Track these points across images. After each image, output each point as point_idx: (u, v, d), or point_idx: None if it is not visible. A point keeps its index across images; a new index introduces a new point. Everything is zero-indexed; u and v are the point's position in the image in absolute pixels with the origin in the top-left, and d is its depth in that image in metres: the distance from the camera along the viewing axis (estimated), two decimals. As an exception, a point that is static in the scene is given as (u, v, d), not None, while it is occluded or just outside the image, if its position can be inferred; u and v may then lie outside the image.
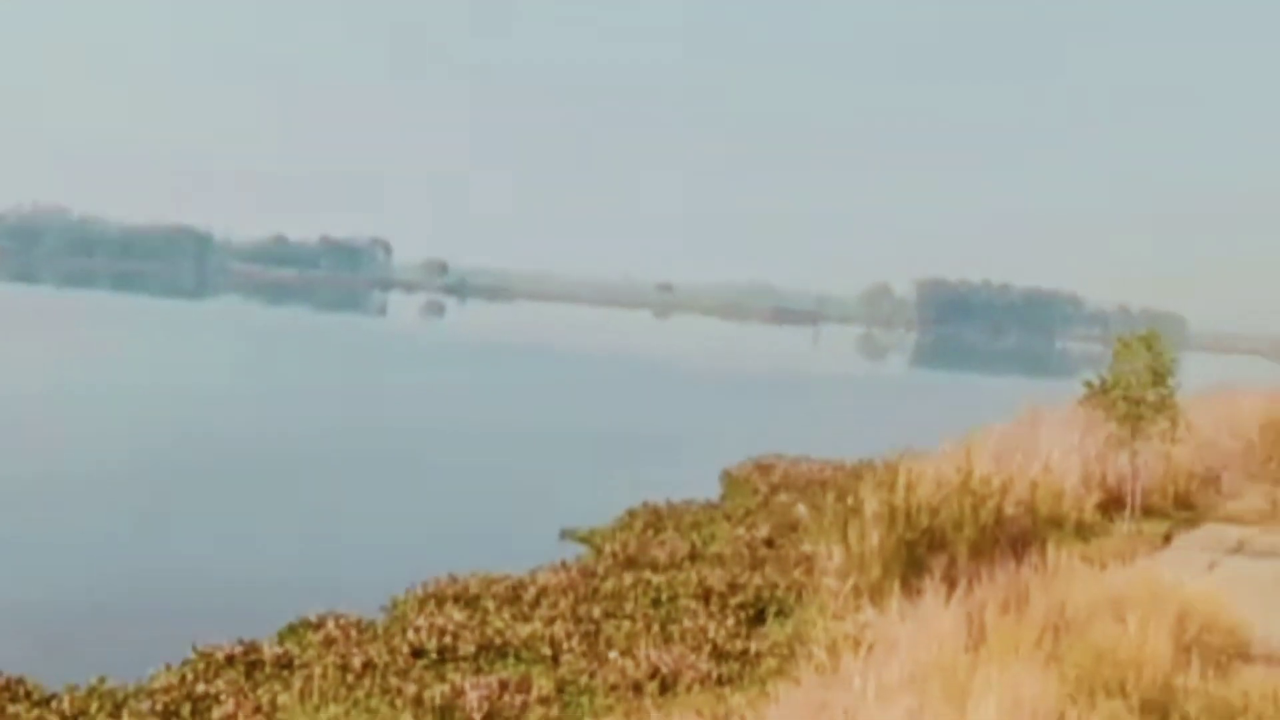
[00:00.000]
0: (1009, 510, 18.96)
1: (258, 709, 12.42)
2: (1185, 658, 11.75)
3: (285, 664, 13.98)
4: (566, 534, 22.36)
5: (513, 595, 17.02)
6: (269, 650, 14.24)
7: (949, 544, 16.73)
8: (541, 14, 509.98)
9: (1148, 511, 22.07)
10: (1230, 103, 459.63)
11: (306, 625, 15.53)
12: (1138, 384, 21.98)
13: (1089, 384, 22.62)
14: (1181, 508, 23.39)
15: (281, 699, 12.76)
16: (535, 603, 16.67)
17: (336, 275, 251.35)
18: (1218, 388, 34.97)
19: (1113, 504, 22.08)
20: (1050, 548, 16.01)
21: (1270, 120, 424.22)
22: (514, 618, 15.88)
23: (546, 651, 14.51)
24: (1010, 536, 17.96)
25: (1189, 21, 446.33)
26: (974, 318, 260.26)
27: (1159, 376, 21.96)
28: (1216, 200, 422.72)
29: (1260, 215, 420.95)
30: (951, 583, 14.08)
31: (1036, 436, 24.12)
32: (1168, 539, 20.54)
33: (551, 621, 15.60)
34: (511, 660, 14.41)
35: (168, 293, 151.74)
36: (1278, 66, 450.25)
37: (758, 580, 17.80)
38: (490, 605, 16.50)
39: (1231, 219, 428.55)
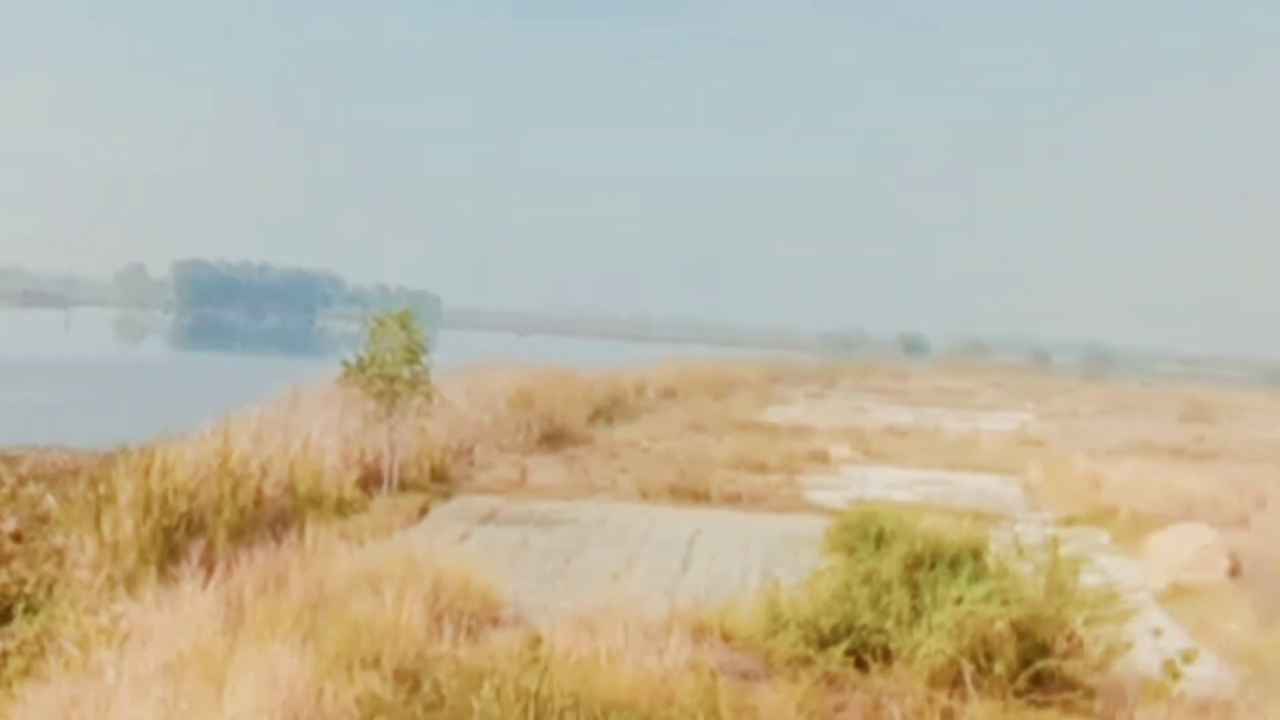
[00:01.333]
0: (269, 491, 18.90)
1: None
2: (439, 626, 12.21)
3: None
4: None
5: None
6: None
7: (208, 528, 16.46)
8: None
9: (405, 486, 22.73)
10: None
11: None
12: (393, 361, 22.66)
13: (346, 363, 23.03)
14: (437, 481, 24.23)
15: None
16: None
17: None
18: (470, 363, 36.47)
19: (372, 480, 22.55)
20: (310, 526, 16.16)
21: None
22: None
23: None
24: (271, 517, 17.94)
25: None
26: (235, 298, 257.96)
27: (413, 354, 22.75)
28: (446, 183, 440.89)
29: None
30: (211, 567, 13.88)
31: (297, 416, 24.19)
32: (424, 512, 21.22)
33: None
34: None
35: None
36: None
37: (4, 577, 16.69)
38: None
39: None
